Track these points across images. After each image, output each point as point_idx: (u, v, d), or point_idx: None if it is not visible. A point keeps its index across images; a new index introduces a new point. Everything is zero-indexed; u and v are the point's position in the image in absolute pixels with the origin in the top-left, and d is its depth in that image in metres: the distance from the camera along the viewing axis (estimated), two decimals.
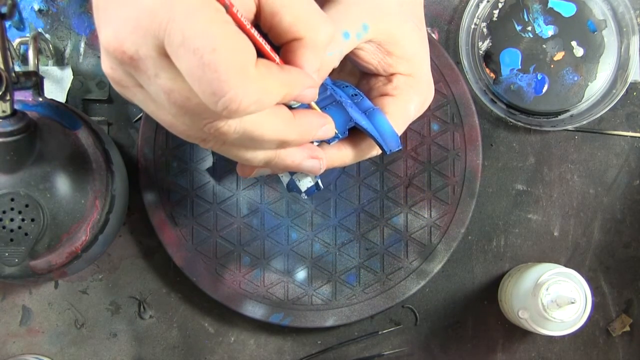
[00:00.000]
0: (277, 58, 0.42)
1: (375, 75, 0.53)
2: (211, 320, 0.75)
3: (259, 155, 0.45)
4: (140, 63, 0.38)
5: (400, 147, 0.51)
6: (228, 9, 0.37)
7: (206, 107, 0.38)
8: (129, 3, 0.37)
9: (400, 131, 0.52)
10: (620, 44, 0.74)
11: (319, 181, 0.52)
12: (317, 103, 0.50)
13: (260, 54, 0.41)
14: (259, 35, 0.40)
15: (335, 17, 0.49)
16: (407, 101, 0.52)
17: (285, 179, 0.53)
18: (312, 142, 0.49)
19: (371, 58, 0.51)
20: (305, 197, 0.53)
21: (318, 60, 0.43)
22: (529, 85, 0.74)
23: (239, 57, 0.37)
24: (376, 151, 0.52)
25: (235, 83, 0.36)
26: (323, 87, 0.50)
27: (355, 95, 0.52)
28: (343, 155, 0.52)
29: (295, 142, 0.45)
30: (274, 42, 0.43)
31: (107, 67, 0.41)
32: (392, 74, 0.52)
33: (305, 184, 0.52)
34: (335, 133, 0.49)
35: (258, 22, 0.42)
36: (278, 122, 0.42)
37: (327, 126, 0.46)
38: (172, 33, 0.36)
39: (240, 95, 0.37)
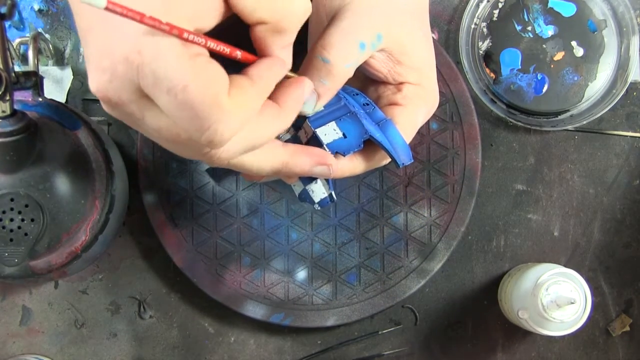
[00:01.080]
0: (239, 55, 0.42)
1: (384, 83, 0.53)
2: (211, 320, 0.75)
3: (265, 168, 0.46)
4: (125, 107, 0.40)
5: (412, 161, 0.52)
6: (179, 37, 0.38)
7: (196, 141, 0.39)
8: (104, 53, 0.38)
9: (408, 140, 0.52)
10: (620, 44, 0.74)
11: (333, 193, 0.52)
12: (331, 113, 0.50)
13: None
14: (216, 44, 0.41)
15: (351, 27, 0.49)
16: (415, 111, 0.52)
17: (297, 189, 0.53)
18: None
19: (382, 67, 0.51)
20: (318, 208, 0.53)
21: (286, 40, 0.43)
22: (529, 85, 0.74)
23: (211, 90, 0.37)
24: (386, 161, 0.53)
25: (212, 117, 0.37)
26: (337, 98, 0.50)
27: (367, 104, 0.52)
28: (355, 165, 0.52)
29: (290, 123, 0.45)
30: (246, 23, 0.43)
31: (105, 108, 0.42)
32: (400, 83, 0.52)
33: (318, 195, 0.52)
34: (352, 145, 0.49)
35: (231, 11, 0.42)
36: (268, 120, 0.43)
37: (307, 86, 0.46)
38: (145, 75, 0.37)
39: (220, 128, 0.38)
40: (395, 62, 0.51)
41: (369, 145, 0.51)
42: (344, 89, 0.52)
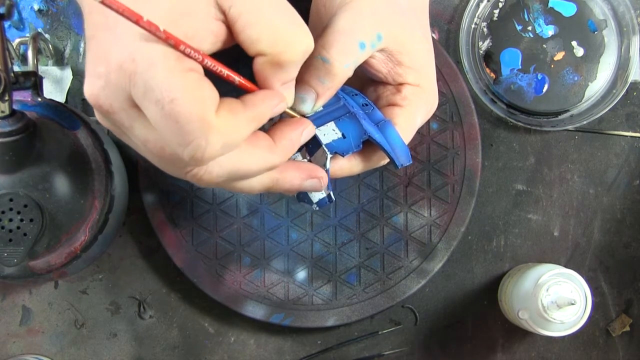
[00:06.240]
0: (237, 80, 0.42)
1: (383, 83, 0.53)
2: (211, 320, 0.75)
3: (255, 186, 0.46)
4: (115, 116, 0.40)
5: (411, 162, 0.52)
6: (175, 47, 0.38)
7: (179, 157, 0.39)
8: (100, 59, 0.39)
9: (407, 141, 0.52)
10: (621, 44, 0.74)
11: (332, 193, 0.52)
12: (330, 113, 0.50)
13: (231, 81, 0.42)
14: (214, 64, 0.41)
15: (350, 26, 0.49)
16: (415, 112, 0.52)
17: None
18: (326, 155, 0.49)
19: (381, 67, 0.51)
20: (317, 208, 0.52)
21: (286, 75, 0.43)
22: (529, 85, 0.74)
23: (198, 107, 0.37)
24: (384, 161, 0.53)
25: (196, 133, 0.37)
26: (336, 98, 0.50)
27: (366, 105, 0.52)
28: (352, 165, 0.52)
29: (282, 163, 0.45)
30: (248, 54, 0.43)
31: (97, 117, 0.42)
32: (400, 84, 0.52)
33: (317, 195, 0.52)
34: (350, 145, 0.49)
35: (234, 39, 0.42)
36: (260, 153, 0.43)
37: (307, 130, 0.47)
38: (136, 84, 0.37)
39: (203, 144, 0.38)
40: (395, 62, 0.51)
41: (368, 146, 0.51)
42: (343, 89, 0.52)
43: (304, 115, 0.49)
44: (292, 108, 0.48)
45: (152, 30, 0.37)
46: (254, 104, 0.41)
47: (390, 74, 0.52)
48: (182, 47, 0.38)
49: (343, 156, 0.50)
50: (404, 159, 0.51)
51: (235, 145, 0.40)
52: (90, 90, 0.40)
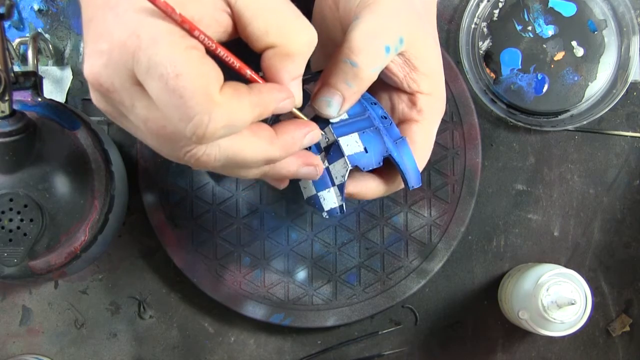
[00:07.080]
0: (248, 73, 0.42)
1: (397, 91, 0.53)
2: (211, 320, 0.75)
3: (252, 171, 0.46)
4: (116, 95, 0.40)
5: (421, 184, 0.52)
6: (189, 32, 0.38)
7: (181, 135, 0.39)
8: (102, 37, 0.39)
9: (428, 156, 0.52)
10: (621, 44, 0.74)
11: (344, 205, 0.51)
12: (355, 124, 0.49)
13: (238, 73, 0.41)
14: (226, 53, 0.41)
15: (376, 30, 0.48)
16: (431, 126, 0.53)
17: (307, 192, 0.52)
18: (347, 167, 0.49)
19: (398, 71, 0.51)
20: (327, 217, 0.51)
21: (295, 68, 0.43)
22: (529, 85, 0.74)
23: (202, 82, 0.37)
24: (403, 185, 0.53)
25: (199, 108, 0.37)
26: (362, 108, 0.50)
27: (384, 118, 0.51)
28: (378, 190, 0.53)
29: (281, 158, 0.45)
30: (254, 50, 0.43)
31: (94, 99, 0.42)
32: (414, 93, 0.52)
33: (329, 203, 0.51)
34: (371, 161, 0.49)
35: (238, 34, 0.42)
36: (260, 143, 0.43)
37: (311, 133, 0.46)
38: (139, 60, 0.37)
39: (206, 120, 0.38)
40: (412, 67, 0.51)
41: (389, 168, 0.51)
42: (362, 95, 0.51)
43: (328, 120, 0.49)
44: (315, 111, 0.48)
45: (168, 12, 0.37)
46: (259, 91, 0.41)
47: (405, 79, 0.52)
48: (196, 33, 0.38)
49: (362, 170, 0.50)
50: (415, 181, 0.51)
51: (237, 127, 0.40)
52: (91, 68, 0.39)
